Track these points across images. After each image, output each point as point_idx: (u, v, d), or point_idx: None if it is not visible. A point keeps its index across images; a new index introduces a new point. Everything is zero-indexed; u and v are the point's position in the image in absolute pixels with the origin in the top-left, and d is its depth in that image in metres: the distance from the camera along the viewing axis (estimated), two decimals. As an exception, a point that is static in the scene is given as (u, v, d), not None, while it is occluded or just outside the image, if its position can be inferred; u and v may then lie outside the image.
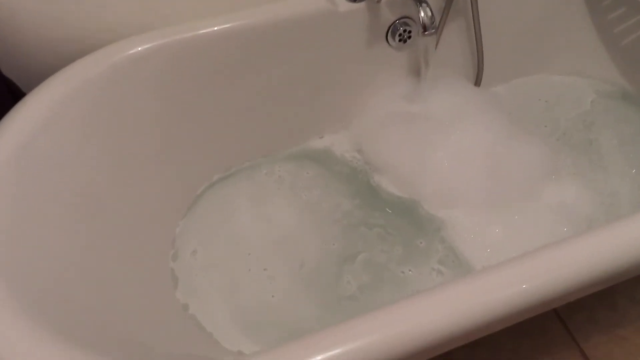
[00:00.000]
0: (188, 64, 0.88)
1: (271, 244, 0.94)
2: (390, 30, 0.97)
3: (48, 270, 0.66)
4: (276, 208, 0.99)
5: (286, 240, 0.94)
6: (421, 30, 0.86)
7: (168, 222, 0.97)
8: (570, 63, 1.16)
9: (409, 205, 0.97)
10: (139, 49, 0.84)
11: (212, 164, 1.02)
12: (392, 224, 0.94)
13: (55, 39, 0.84)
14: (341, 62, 0.99)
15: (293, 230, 0.95)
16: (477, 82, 1.09)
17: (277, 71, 0.95)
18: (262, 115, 1.01)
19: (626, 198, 0.96)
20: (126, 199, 0.87)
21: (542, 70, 1.18)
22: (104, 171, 0.83)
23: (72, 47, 0.85)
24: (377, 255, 0.91)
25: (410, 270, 0.89)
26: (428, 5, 0.86)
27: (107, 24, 0.85)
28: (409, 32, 0.97)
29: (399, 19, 0.96)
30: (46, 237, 0.68)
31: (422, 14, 0.85)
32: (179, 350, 0.78)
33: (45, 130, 0.73)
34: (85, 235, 0.76)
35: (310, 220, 0.96)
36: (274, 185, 1.02)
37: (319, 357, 0.51)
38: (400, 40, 0.98)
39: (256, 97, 0.98)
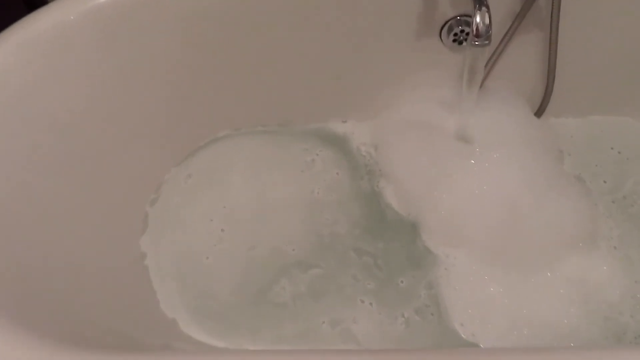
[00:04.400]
0: (215, 12, 0.80)
1: (245, 211, 0.88)
2: (446, 27, 0.82)
3: None
4: (273, 182, 0.92)
5: (260, 216, 0.88)
6: (473, 37, 0.71)
7: (161, 166, 0.94)
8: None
9: (407, 229, 0.85)
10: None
11: (223, 119, 0.96)
12: (385, 256, 0.83)
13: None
14: (382, 47, 0.86)
15: (274, 211, 0.88)
16: (541, 109, 0.91)
17: (307, 38, 0.85)
18: (285, 83, 0.92)
19: (665, 299, 0.79)
20: (121, 134, 0.85)
21: (629, 112, 0.97)
22: (100, 104, 0.80)
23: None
24: (340, 276, 0.81)
25: (371, 304, 0.79)
26: (488, 10, 0.70)
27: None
28: (467, 33, 0.82)
29: (458, 16, 0.80)
30: None
31: (478, 18, 0.70)
32: (119, 300, 0.76)
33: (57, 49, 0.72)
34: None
35: (299, 213, 0.88)
36: (282, 156, 0.95)
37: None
38: (455, 41, 0.83)
39: (282, 62, 0.89)
